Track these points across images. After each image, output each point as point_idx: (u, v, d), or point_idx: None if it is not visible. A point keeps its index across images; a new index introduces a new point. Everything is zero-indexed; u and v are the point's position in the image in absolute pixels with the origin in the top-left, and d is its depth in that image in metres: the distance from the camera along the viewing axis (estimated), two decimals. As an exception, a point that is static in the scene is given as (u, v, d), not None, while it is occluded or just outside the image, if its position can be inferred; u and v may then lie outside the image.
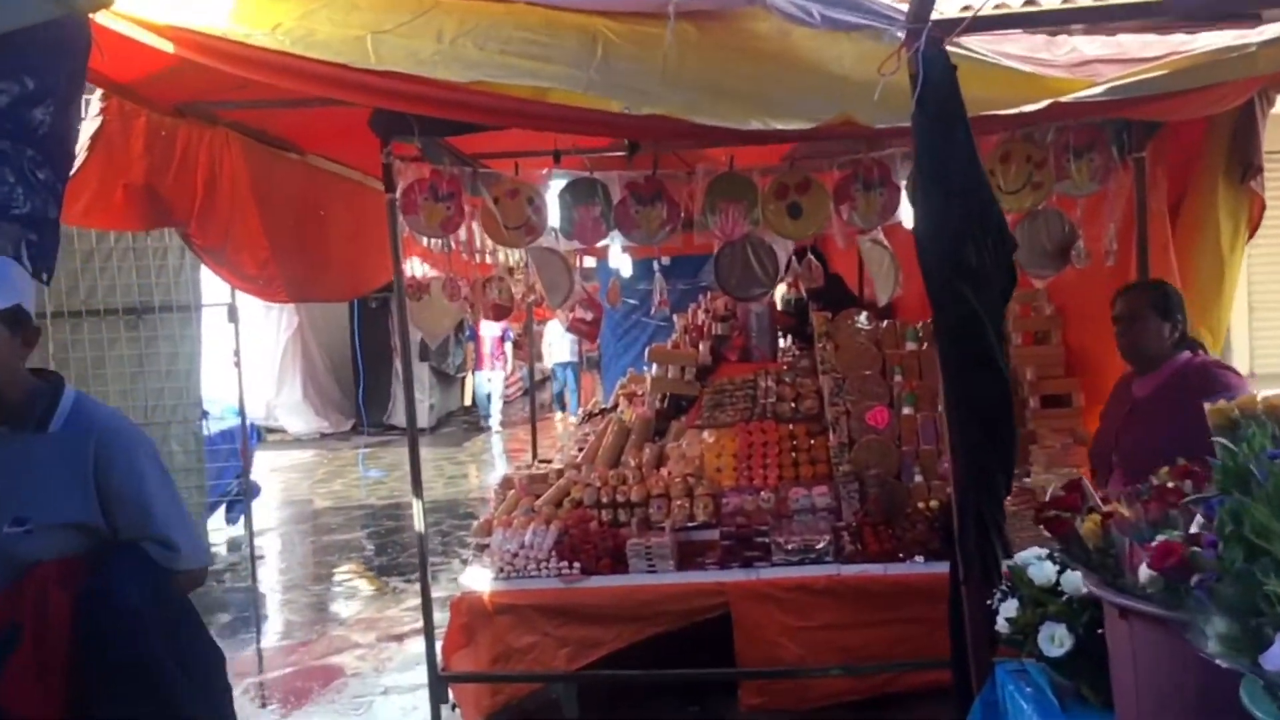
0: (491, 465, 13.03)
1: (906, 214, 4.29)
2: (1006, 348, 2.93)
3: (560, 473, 5.56)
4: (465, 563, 5.68)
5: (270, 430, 15.92)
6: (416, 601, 6.65)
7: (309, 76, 2.94)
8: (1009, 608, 2.21)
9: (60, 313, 7.23)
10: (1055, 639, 2.07)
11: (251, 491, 9.31)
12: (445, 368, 16.42)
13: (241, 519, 9.23)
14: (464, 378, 16.87)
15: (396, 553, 8.36)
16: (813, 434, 5.37)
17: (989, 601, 2.33)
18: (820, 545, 4.60)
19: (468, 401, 16.84)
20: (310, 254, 5.66)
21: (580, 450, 7.23)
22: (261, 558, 8.51)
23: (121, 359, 7.36)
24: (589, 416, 9.79)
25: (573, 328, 6.00)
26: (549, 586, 4.58)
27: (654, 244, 4.40)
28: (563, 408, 16.68)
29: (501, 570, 4.65)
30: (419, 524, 4.42)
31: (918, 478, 5.01)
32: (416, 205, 4.32)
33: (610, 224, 4.37)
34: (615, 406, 9.74)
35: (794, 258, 4.97)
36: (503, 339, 16.30)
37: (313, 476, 12.45)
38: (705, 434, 5.47)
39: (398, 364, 16.45)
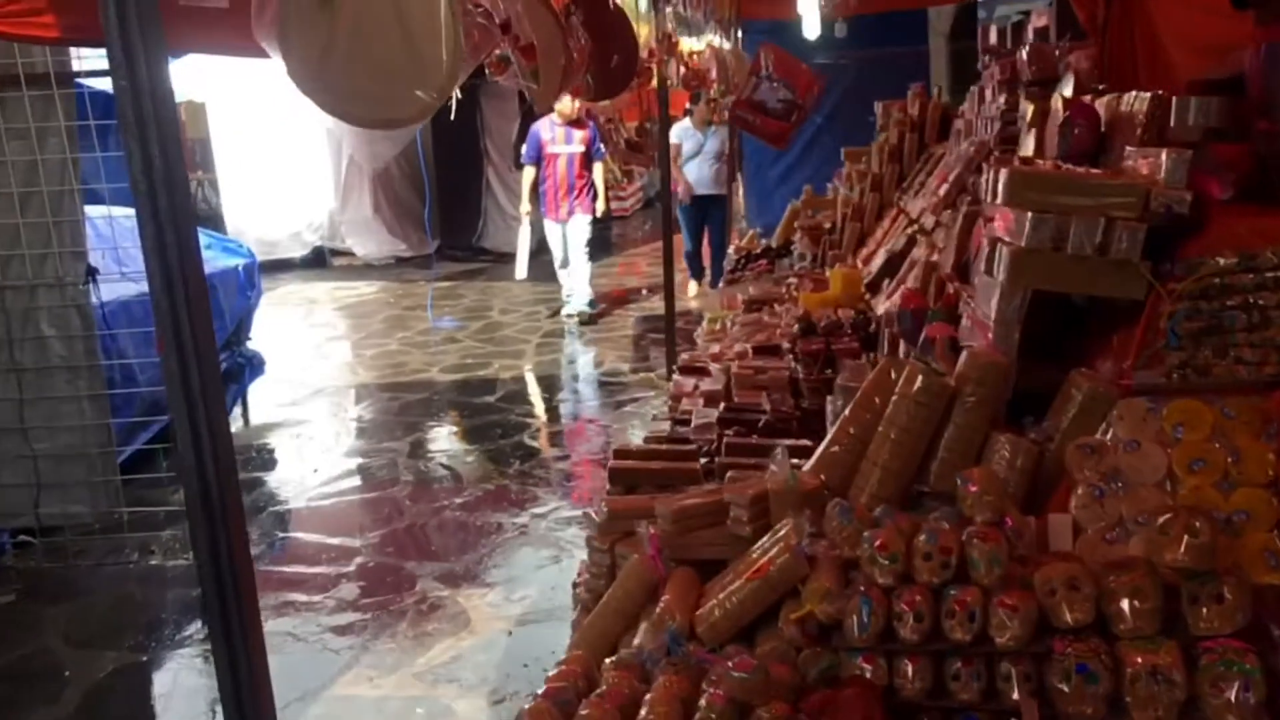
0: (592, 334, 9.31)
1: None
2: None
3: (718, 507, 2.12)
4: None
5: (336, 253, 12.98)
6: (462, 641, 3.44)
7: None
8: None
9: None
10: None
11: (248, 370, 6.28)
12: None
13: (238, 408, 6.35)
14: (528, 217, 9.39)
15: (456, 502, 4.96)
16: None
17: None
18: None
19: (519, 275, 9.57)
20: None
21: (739, 360, 3.85)
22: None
23: (-60, 173, 4.22)
24: (745, 261, 6.31)
25: (735, 119, 2.55)
26: None
27: None
28: (699, 275, 9.82)
29: None
30: None
31: None
32: None
33: None
34: (788, 244, 6.47)
35: None
36: (587, 158, 8.86)
37: (366, 327, 9.29)
38: (1164, 415, 1.97)
39: (490, 172, 13.09)
